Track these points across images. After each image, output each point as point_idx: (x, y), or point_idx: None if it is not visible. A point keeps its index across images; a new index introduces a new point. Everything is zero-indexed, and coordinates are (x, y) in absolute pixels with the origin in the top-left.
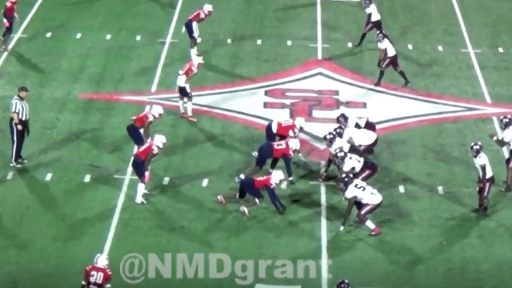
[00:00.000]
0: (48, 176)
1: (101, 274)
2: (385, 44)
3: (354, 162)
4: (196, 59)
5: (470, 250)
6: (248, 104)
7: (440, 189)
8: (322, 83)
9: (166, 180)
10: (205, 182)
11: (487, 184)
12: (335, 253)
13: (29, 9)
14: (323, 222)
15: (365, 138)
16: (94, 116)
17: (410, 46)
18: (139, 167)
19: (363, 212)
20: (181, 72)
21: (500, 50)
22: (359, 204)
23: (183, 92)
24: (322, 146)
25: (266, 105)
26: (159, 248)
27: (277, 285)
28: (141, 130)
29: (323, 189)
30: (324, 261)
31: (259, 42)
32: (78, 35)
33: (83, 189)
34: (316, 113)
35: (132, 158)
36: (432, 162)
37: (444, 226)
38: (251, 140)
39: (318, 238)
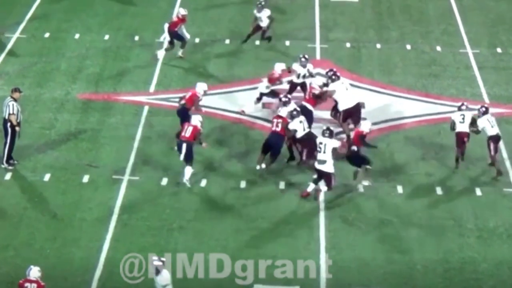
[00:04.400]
0: (47, 177)
1: (34, 285)
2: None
3: (298, 126)
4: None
5: (469, 250)
6: (246, 104)
7: (438, 189)
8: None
9: (164, 180)
10: (203, 183)
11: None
12: (334, 253)
13: (27, 9)
14: (322, 222)
15: (346, 101)
16: (93, 116)
17: (408, 46)
18: (191, 150)
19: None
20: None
21: (499, 50)
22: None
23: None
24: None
25: (264, 105)
26: (158, 249)
27: (276, 285)
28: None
29: (322, 188)
30: (323, 261)
31: (257, 42)
32: (77, 36)
33: (81, 189)
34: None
35: (184, 145)
36: (430, 162)
37: (443, 226)
38: (250, 140)
39: (317, 238)
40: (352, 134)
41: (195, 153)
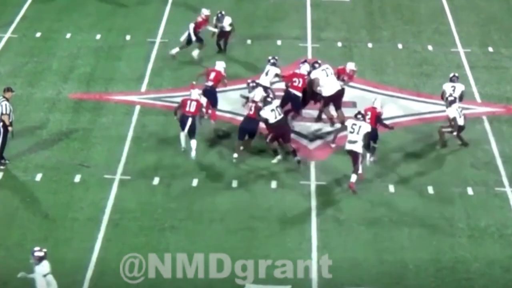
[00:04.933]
0: (38, 176)
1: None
2: None
3: (269, 114)
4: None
5: (460, 250)
6: (238, 104)
7: (430, 188)
8: None
9: (156, 180)
10: (195, 182)
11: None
12: (326, 253)
13: (19, 9)
14: (314, 222)
15: (328, 88)
16: (84, 116)
17: (400, 46)
18: (195, 124)
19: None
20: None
21: (490, 49)
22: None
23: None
24: (310, 145)
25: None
26: (150, 249)
27: (268, 285)
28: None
29: (313, 187)
30: (315, 261)
31: (248, 42)
32: (68, 35)
33: (73, 189)
34: (306, 113)
35: (190, 119)
36: (422, 162)
37: (434, 225)
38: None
39: (309, 238)
40: (369, 115)
41: (185, 155)
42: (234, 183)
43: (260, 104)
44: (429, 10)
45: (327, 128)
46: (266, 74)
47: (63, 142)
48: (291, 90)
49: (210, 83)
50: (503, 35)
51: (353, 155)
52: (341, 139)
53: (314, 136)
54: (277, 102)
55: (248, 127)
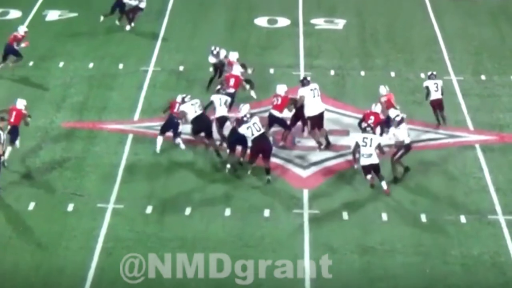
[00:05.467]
0: (31, 205)
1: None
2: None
3: (247, 131)
4: None
5: (453, 278)
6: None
7: (423, 216)
8: None
9: (149, 208)
10: (188, 211)
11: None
12: (319, 282)
13: None
14: (307, 249)
15: (312, 108)
16: (77, 145)
17: (393, 74)
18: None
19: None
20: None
21: (483, 77)
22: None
23: None
24: (303, 173)
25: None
26: None
27: None
28: None
29: (306, 216)
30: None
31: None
32: (61, 64)
33: (66, 218)
34: (299, 142)
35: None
36: (415, 190)
37: (427, 253)
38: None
39: (302, 266)
40: (372, 119)
41: (178, 181)
42: (227, 211)
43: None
44: (422, 38)
45: (320, 155)
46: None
47: (56, 171)
48: (272, 111)
49: (231, 90)
50: (495, 63)
51: (374, 167)
52: (338, 165)
53: (308, 164)
54: (255, 119)
55: (238, 138)
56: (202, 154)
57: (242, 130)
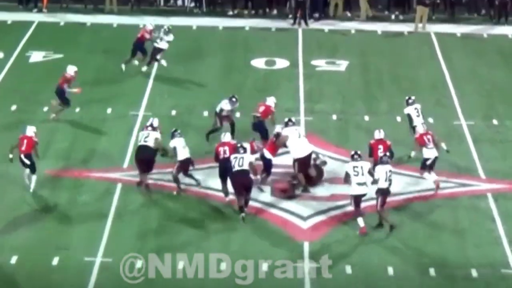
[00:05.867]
0: (13, 259)
1: None
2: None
3: (233, 160)
4: None
5: None
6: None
7: (431, 270)
8: None
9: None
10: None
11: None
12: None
13: None
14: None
15: (299, 150)
16: (62, 194)
17: (398, 118)
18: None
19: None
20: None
21: (494, 122)
22: None
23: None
24: (304, 224)
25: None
26: None
27: None
28: None
29: (306, 269)
30: None
31: (237, 115)
32: (45, 108)
33: (51, 273)
34: (299, 191)
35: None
36: (422, 241)
37: None
38: (229, 218)
39: None
40: (381, 149)
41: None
42: (223, 266)
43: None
44: (429, 80)
45: (321, 205)
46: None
47: (40, 222)
48: (264, 151)
49: (258, 114)
50: (508, 106)
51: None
52: (341, 216)
53: (309, 215)
54: (242, 155)
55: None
56: (194, 204)
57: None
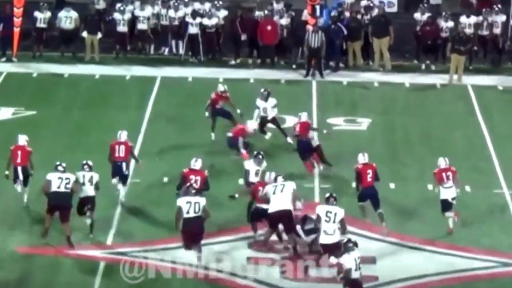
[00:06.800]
0: None
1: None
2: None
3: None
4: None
5: None
6: (226, 260)
7: None
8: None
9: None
10: None
11: None
12: None
13: None
14: None
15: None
16: (36, 276)
17: (429, 187)
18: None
19: None
20: None
21: None
22: None
23: None
24: None
25: (249, 260)
26: None
27: None
28: None
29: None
30: None
31: (240, 181)
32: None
33: None
34: (313, 272)
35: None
36: None
37: None
38: None
39: None
40: (370, 174)
41: None
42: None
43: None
44: (466, 142)
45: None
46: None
47: None
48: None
49: (297, 133)
50: None
51: (332, 248)
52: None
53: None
54: (197, 198)
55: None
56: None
57: (180, 201)
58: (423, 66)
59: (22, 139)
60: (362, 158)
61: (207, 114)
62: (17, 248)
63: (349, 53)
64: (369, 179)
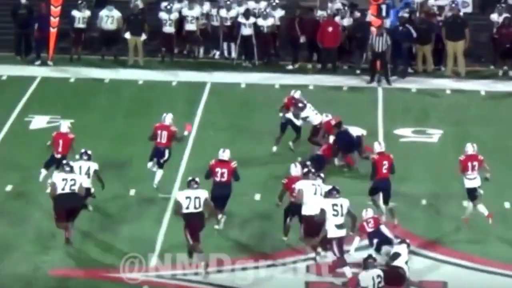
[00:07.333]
0: None
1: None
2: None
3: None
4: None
5: None
6: (283, 285)
7: None
8: None
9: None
10: None
11: None
12: None
13: None
14: None
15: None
16: None
17: (507, 204)
18: None
19: None
20: None
21: None
22: None
23: None
24: None
25: (308, 286)
26: None
27: None
28: None
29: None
30: None
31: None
32: (49, 189)
33: None
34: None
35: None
36: None
37: None
38: None
39: None
40: (385, 165)
41: None
42: None
43: None
44: None
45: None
46: None
47: None
48: None
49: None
50: None
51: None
52: None
53: None
54: (198, 192)
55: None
56: None
57: (179, 196)
58: (501, 72)
59: (65, 126)
60: (379, 147)
61: (281, 114)
62: (50, 271)
63: (419, 57)
64: (384, 171)
